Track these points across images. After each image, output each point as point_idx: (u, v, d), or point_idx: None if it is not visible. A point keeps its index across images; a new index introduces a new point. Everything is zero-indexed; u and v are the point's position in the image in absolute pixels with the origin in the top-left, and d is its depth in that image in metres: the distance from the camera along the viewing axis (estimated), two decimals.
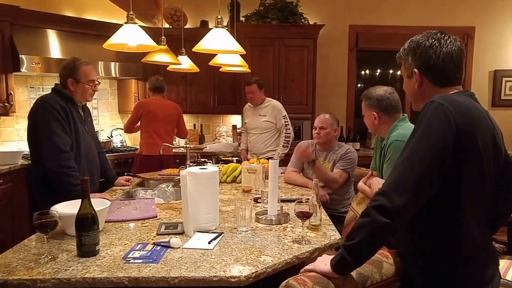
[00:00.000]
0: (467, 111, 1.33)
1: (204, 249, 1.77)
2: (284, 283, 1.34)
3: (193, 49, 2.47)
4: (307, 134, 4.89)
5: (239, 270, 1.55)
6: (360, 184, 2.55)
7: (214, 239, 1.88)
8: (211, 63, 3.17)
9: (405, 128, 2.31)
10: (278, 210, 2.21)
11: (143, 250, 1.73)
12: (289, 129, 4.29)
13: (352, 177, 3.14)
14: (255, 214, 2.21)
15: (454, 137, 1.28)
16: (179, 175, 3.41)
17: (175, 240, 1.78)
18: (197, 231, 1.97)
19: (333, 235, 2.00)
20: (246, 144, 4.55)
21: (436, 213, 1.36)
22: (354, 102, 5.48)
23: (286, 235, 1.98)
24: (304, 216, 1.88)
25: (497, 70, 5.42)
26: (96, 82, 2.68)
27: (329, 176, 3.03)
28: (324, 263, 1.41)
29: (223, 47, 2.33)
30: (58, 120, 2.46)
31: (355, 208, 2.52)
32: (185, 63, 3.46)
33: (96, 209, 1.70)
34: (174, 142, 5.40)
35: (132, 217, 2.19)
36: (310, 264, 1.46)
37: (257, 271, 1.57)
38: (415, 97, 1.56)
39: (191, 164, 3.13)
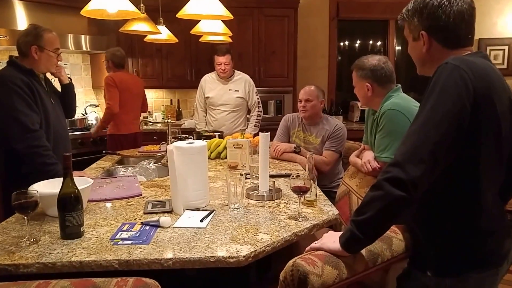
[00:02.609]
0: (484, 74, 1.24)
1: (196, 227, 1.66)
2: (290, 262, 1.25)
3: (177, 15, 2.31)
4: (288, 108, 4.79)
5: (236, 250, 1.46)
6: (352, 157, 2.48)
7: (206, 217, 1.77)
8: (193, 31, 2.99)
9: (399, 97, 2.23)
10: (269, 186, 2.11)
11: (131, 230, 1.62)
12: (260, 106, 4.06)
13: (342, 153, 3.07)
14: (246, 190, 2.12)
15: (472, 101, 1.19)
16: (159, 151, 3.30)
17: (165, 219, 1.67)
18: (187, 209, 1.87)
19: (330, 210, 1.93)
20: (204, 122, 4.10)
21: (451, 184, 1.29)
22: (335, 74, 5.39)
23: (280, 212, 1.89)
24: (301, 191, 1.80)
25: (481, 39, 5.39)
26: (59, 52, 2.48)
27: (319, 159, 2.94)
28: (332, 240, 1.32)
29: (210, 12, 2.17)
30: (22, 97, 2.24)
31: (348, 182, 2.45)
32: (164, 33, 3.27)
33: (79, 187, 1.57)
34: (151, 118, 5.22)
35: (115, 195, 2.06)
36: (316, 242, 1.37)
37: (256, 250, 1.48)
38: (422, 61, 1.45)
39: (172, 140, 2.99)
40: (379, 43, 5.71)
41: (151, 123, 4.87)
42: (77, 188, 1.54)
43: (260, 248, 1.50)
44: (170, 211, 1.85)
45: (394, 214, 1.24)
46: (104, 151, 3.32)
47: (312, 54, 5.29)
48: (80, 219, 1.54)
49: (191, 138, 3.49)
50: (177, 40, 3.50)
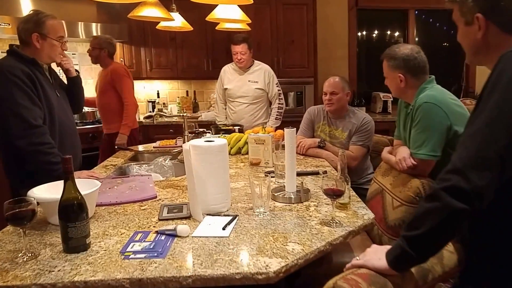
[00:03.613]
0: None
1: (218, 236, 1.47)
2: (330, 283, 1.06)
3: None
4: (309, 100, 4.57)
5: (265, 264, 1.26)
6: (385, 153, 2.27)
7: (229, 223, 1.58)
8: (209, 18, 2.78)
9: (434, 89, 2.04)
10: (297, 186, 1.91)
11: (144, 241, 1.43)
12: (282, 98, 3.83)
13: (370, 148, 2.85)
14: (271, 191, 1.91)
15: None
16: (176, 146, 3.11)
17: (182, 227, 1.48)
18: (207, 214, 1.67)
19: (365, 214, 1.72)
20: (224, 115, 3.91)
21: None
22: (356, 64, 5.15)
23: (311, 216, 1.68)
24: (334, 194, 1.59)
25: None
26: (65, 40, 2.29)
27: (346, 154, 2.72)
28: (377, 257, 1.12)
29: None
30: (23, 90, 2.05)
31: (380, 181, 2.23)
32: (177, 21, 3.06)
33: (83, 192, 1.38)
34: (165, 110, 5.05)
35: (127, 198, 1.88)
36: (358, 258, 1.17)
37: (287, 264, 1.28)
38: (476, 49, 1.24)
39: (189, 136, 2.80)
40: (397, 33, 5.44)
41: (166, 116, 4.69)
42: (80, 194, 1.35)
43: (292, 261, 1.30)
44: (188, 217, 1.66)
45: (453, 230, 1.05)
46: (116, 147, 3.15)
47: (332, 44, 5.05)
48: (85, 229, 1.35)
49: (209, 132, 3.31)
50: (192, 28, 3.29)
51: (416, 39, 5.38)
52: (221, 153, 1.69)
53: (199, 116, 4.78)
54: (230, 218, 1.64)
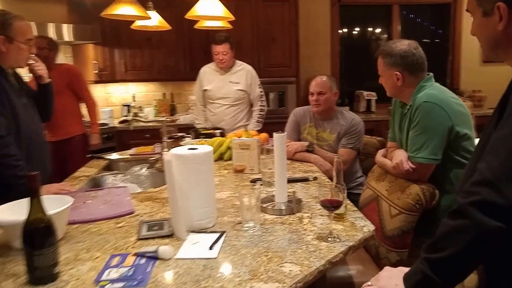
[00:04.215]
0: None
1: (205, 258, 1.31)
2: None
3: None
4: (291, 100, 4.44)
5: None
6: (379, 157, 2.15)
7: (216, 242, 1.42)
8: (188, 15, 2.60)
9: (433, 88, 1.93)
10: (289, 196, 1.76)
11: (122, 266, 1.26)
12: (264, 100, 3.68)
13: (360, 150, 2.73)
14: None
15: None
16: (153, 153, 2.93)
17: (165, 249, 1.31)
18: (191, 231, 1.51)
19: (364, 225, 1.59)
20: (204, 118, 3.72)
21: None
22: (339, 62, 5.04)
23: (306, 230, 1.54)
24: (332, 206, 1.45)
25: None
26: (32, 44, 2.09)
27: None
28: (393, 282, 0.99)
29: None
30: None
31: (374, 186, 2.11)
32: (154, 20, 2.87)
33: (52, 211, 1.20)
34: (141, 113, 4.84)
35: (102, 215, 1.69)
36: (370, 284, 1.03)
37: None
38: (495, 42, 1.10)
39: (168, 142, 2.62)
40: (380, 30, 5.36)
41: (143, 120, 4.49)
42: (47, 216, 1.17)
43: (290, 285, 1.16)
44: (170, 235, 1.49)
45: (485, 251, 0.91)
46: (90, 155, 2.95)
47: (314, 42, 4.93)
48: (53, 257, 1.17)
49: (188, 137, 3.14)
50: (170, 27, 3.11)
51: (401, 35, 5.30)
52: (207, 162, 1.53)
53: (177, 119, 4.59)
54: (217, 235, 1.48)
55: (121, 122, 4.59)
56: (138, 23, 2.94)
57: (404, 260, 1.86)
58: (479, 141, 1.15)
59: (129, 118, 4.71)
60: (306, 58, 4.81)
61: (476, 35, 1.15)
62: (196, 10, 2.52)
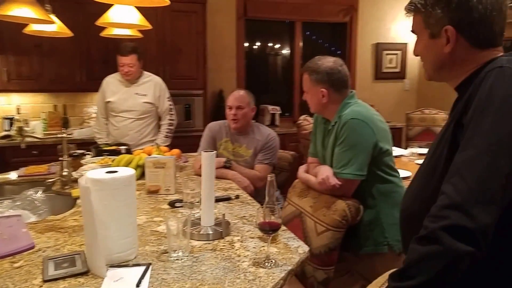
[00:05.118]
0: None
1: None
2: None
3: None
4: (198, 114, 4.30)
5: None
6: (302, 173, 2.12)
7: (142, 277, 1.24)
8: (99, 22, 2.31)
9: (358, 105, 1.96)
10: (217, 219, 1.63)
11: None
12: (173, 114, 3.50)
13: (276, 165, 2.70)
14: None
15: None
16: (48, 174, 2.57)
17: None
18: (109, 266, 1.30)
19: (298, 246, 1.52)
20: (106, 132, 3.45)
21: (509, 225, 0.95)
22: (244, 76, 5.03)
23: (239, 256, 1.42)
24: (271, 229, 1.36)
25: (378, 43, 5.51)
26: None
27: (253, 174, 2.54)
28: None
29: None
30: None
31: (297, 203, 2.07)
32: (53, 25, 2.52)
33: None
34: (27, 128, 4.30)
35: None
36: None
37: None
38: (441, 64, 1.12)
39: (68, 159, 2.32)
40: (278, 45, 5.47)
41: (30, 135, 3.97)
42: None
43: None
44: (85, 272, 1.27)
45: (456, 276, 0.88)
46: None
47: (220, 54, 4.86)
48: None
49: (89, 154, 2.84)
50: (72, 34, 2.78)
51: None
52: (129, 187, 1.34)
53: (70, 134, 4.15)
54: (141, 268, 1.30)
55: (2, 137, 4.03)
56: (33, 28, 2.57)
57: (330, 278, 1.83)
58: (427, 158, 1.15)
59: (12, 133, 4.15)
60: (213, 71, 4.71)
61: (421, 56, 1.16)
62: (109, 17, 2.26)
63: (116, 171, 1.34)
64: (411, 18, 1.15)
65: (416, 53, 1.18)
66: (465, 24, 1.04)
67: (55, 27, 2.59)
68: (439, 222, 0.88)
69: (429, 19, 1.09)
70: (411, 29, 1.17)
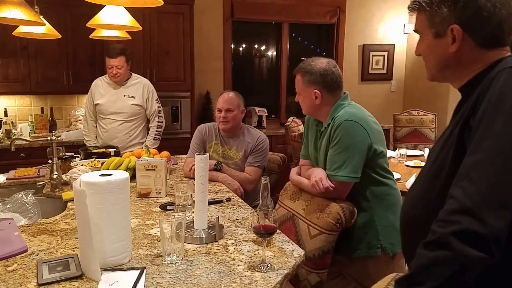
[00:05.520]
0: None
1: None
2: None
3: None
4: (186, 116, 4.29)
5: None
6: (294, 175, 2.11)
7: (137, 281, 1.24)
8: (90, 23, 2.30)
9: (352, 106, 1.95)
10: (210, 222, 1.64)
11: None
12: (162, 116, 3.49)
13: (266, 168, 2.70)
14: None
15: None
16: (38, 177, 2.53)
17: None
18: (103, 269, 1.30)
19: (293, 249, 1.53)
20: (94, 135, 3.44)
21: None
22: (231, 78, 5.03)
23: (234, 260, 1.43)
24: (266, 233, 1.37)
25: (365, 44, 5.53)
26: None
27: (243, 177, 2.55)
28: None
29: None
30: None
31: (289, 205, 2.08)
32: (42, 26, 2.50)
33: None
34: (15, 131, 4.25)
35: None
36: None
37: None
38: (445, 64, 1.10)
39: (58, 162, 2.30)
40: (264, 47, 5.49)
41: (18, 138, 3.92)
42: None
43: None
44: (79, 276, 1.26)
45: (466, 282, 0.87)
46: None
47: (207, 56, 4.85)
48: None
49: (77, 157, 2.82)
50: (60, 36, 2.76)
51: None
52: (123, 190, 1.34)
53: (58, 136, 4.10)
54: (136, 272, 1.30)
55: None
56: (22, 30, 2.54)
57: (323, 281, 1.84)
58: (429, 161, 1.12)
59: None
60: (200, 72, 4.70)
61: (423, 55, 1.15)
62: (100, 18, 2.24)
63: (110, 174, 1.34)
64: (412, 18, 1.15)
65: (418, 53, 1.16)
66: (473, 23, 1.02)
67: (44, 29, 2.56)
68: (449, 227, 0.86)
69: (434, 18, 1.07)
70: (413, 28, 1.16)
